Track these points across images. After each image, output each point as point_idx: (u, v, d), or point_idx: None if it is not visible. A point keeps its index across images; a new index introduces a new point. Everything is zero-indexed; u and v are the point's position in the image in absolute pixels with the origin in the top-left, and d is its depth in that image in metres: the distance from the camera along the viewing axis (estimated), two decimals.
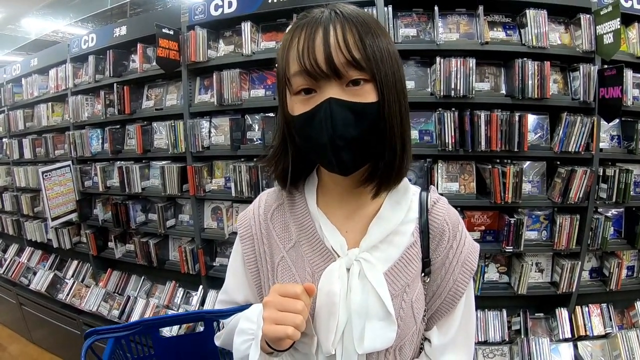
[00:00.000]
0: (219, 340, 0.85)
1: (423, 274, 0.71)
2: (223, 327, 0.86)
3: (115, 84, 2.67)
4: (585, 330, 2.20)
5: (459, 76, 1.98)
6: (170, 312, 2.60)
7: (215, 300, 2.49)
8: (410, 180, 0.78)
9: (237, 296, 0.81)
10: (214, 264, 2.58)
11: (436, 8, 2.04)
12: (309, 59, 0.57)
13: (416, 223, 0.71)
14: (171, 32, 2.34)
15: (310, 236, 0.72)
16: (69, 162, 3.03)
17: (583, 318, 2.21)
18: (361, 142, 0.60)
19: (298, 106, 0.61)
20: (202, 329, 0.92)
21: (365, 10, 2.01)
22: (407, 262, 0.70)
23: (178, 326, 2.17)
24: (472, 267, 0.72)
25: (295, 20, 0.64)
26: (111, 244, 2.96)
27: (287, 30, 0.64)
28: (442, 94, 2.00)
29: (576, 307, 2.21)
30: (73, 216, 3.05)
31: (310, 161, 0.73)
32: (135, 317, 2.67)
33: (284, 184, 0.73)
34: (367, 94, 0.59)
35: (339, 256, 0.69)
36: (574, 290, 2.14)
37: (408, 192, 0.73)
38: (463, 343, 0.75)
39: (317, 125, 0.58)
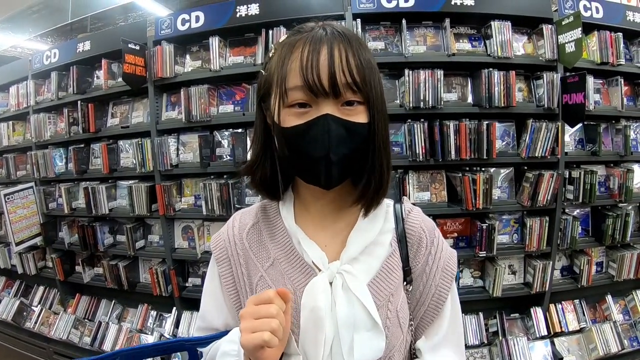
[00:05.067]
0: None
1: (405, 283, 0.71)
2: (201, 356, 0.83)
3: (79, 101, 2.58)
4: (561, 327, 2.28)
5: (427, 87, 2.01)
6: (143, 336, 2.52)
7: (190, 322, 2.44)
8: None
9: (216, 321, 0.78)
10: (187, 285, 2.52)
11: (404, 21, 2.08)
12: (312, 75, 0.57)
13: (393, 233, 0.72)
14: (137, 47, 2.28)
15: (288, 253, 0.71)
16: (32, 184, 2.90)
17: (557, 315, 2.29)
18: (350, 160, 0.62)
19: (291, 118, 0.61)
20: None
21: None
22: (388, 271, 0.70)
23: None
24: (452, 271, 0.72)
25: (291, 33, 0.64)
26: (79, 268, 2.84)
27: (281, 42, 0.64)
28: (411, 105, 2.03)
29: (550, 305, 2.28)
30: (38, 240, 2.91)
31: (286, 175, 0.72)
32: (108, 343, 2.57)
33: (264, 192, 0.73)
34: (359, 115, 0.61)
35: (320, 270, 0.68)
36: (546, 289, 2.21)
37: (383, 204, 0.73)
38: (454, 341, 0.74)
39: (313, 139, 0.59)
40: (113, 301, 2.79)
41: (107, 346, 2.56)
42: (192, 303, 2.50)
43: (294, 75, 0.59)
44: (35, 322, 2.88)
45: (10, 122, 3.19)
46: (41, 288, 3.16)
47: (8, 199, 2.73)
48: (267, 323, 0.56)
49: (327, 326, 0.63)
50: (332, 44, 0.59)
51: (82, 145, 2.73)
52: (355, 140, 0.61)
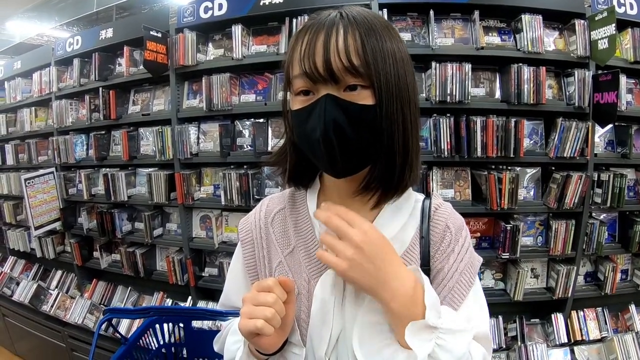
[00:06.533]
0: (217, 344, 0.83)
1: None
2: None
3: (100, 88, 2.59)
4: (582, 335, 2.20)
5: (454, 81, 1.95)
6: None
7: None
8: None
9: (237, 301, 0.80)
10: (203, 275, 2.52)
11: (431, 12, 2.02)
12: (308, 63, 0.57)
13: (416, 230, 0.68)
14: (159, 35, 2.27)
15: (308, 242, 0.70)
16: (53, 169, 2.94)
17: (579, 322, 2.21)
18: (354, 144, 0.58)
19: (297, 106, 0.62)
20: None
21: None
22: None
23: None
24: (470, 276, 0.66)
25: (305, 22, 0.64)
26: (96, 254, 2.87)
27: (295, 31, 0.65)
28: (437, 99, 1.97)
29: (572, 311, 2.21)
30: (57, 225, 2.95)
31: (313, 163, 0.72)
32: (123, 329, 2.58)
33: (289, 182, 0.73)
34: (364, 99, 0.58)
35: None
36: (569, 295, 2.13)
37: (410, 198, 0.71)
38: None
39: (312, 120, 0.58)
40: (129, 288, 2.82)
41: (122, 331, 2.58)
42: (208, 293, 2.50)
43: (296, 64, 0.60)
44: (52, 306, 2.92)
45: (33, 108, 3.23)
46: (59, 272, 3.22)
47: (29, 183, 2.77)
48: (262, 311, 0.56)
49: (335, 321, 0.62)
50: (330, 29, 0.57)
51: (103, 132, 2.75)
52: (358, 123, 0.57)
